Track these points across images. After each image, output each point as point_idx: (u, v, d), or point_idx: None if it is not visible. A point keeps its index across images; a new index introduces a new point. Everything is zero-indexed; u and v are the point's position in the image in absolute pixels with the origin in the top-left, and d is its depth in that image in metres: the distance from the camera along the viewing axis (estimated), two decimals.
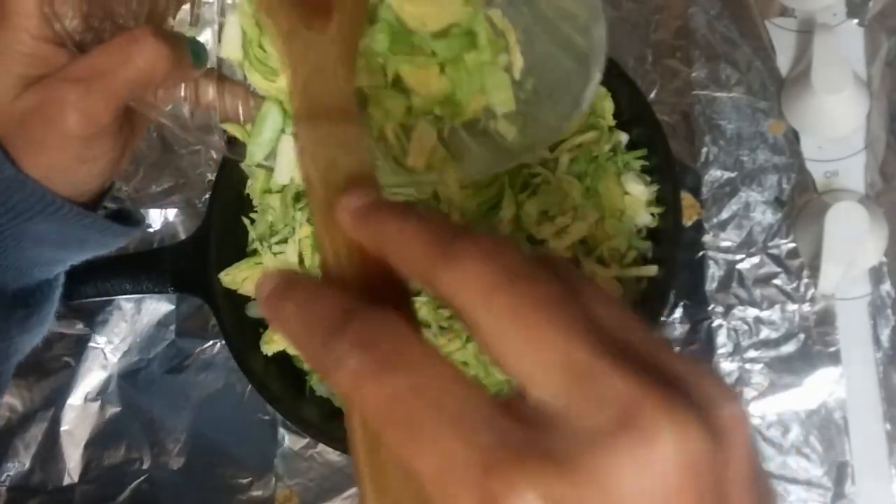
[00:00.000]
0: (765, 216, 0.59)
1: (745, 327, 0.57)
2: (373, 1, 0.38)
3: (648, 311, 0.53)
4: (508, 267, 0.20)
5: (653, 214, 0.55)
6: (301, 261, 0.55)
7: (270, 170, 0.41)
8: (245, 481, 0.59)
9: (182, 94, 0.40)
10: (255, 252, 0.57)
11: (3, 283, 0.39)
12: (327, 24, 0.32)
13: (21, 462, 0.61)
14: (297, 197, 0.57)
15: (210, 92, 0.40)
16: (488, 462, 0.18)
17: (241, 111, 0.41)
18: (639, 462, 0.18)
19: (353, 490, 0.58)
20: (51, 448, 0.61)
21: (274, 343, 0.55)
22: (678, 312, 0.58)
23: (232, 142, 0.43)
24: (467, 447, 0.19)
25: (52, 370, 0.62)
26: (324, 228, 0.26)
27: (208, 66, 0.40)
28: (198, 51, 0.38)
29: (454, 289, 0.21)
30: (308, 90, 0.30)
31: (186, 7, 0.40)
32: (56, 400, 0.62)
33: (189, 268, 0.56)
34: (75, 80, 0.34)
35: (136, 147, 0.43)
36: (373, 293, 0.24)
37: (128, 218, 0.43)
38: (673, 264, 0.54)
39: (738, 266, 0.59)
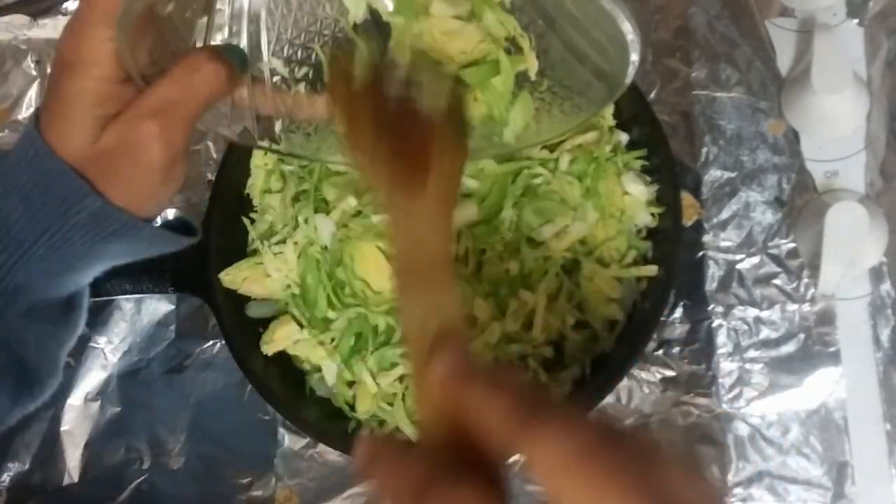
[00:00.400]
0: (765, 216, 0.59)
1: (745, 327, 0.57)
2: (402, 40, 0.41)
3: (648, 311, 0.53)
4: (584, 442, 0.23)
5: (653, 214, 0.55)
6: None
7: None
8: (245, 481, 0.59)
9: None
10: (255, 252, 0.57)
11: (62, 292, 0.42)
12: (424, 189, 0.34)
13: (21, 462, 0.61)
14: (297, 197, 0.57)
15: (243, 92, 0.43)
16: None
17: (269, 107, 0.44)
18: None
19: (353, 490, 0.58)
20: (51, 448, 0.61)
21: (274, 343, 0.55)
22: (678, 312, 0.58)
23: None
24: None
25: None
26: (419, 386, 0.29)
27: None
28: (242, 57, 0.41)
29: (535, 460, 0.23)
30: (406, 255, 0.33)
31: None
32: (56, 400, 0.62)
33: (189, 268, 0.56)
34: (152, 115, 0.37)
35: None
36: (460, 450, 0.27)
37: (185, 226, 0.46)
38: (673, 264, 0.54)
39: (738, 266, 0.59)
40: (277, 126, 0.47)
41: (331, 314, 0.54)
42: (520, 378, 0.26)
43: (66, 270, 0.40)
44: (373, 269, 0.52)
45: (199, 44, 0.42)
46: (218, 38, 0.43)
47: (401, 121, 0.36)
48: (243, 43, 0.43)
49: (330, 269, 0.54)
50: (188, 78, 0.37)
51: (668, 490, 0.23)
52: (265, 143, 0.47)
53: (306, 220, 0.55)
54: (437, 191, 0.34)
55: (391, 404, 0.53)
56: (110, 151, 0.38)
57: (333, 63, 0.41)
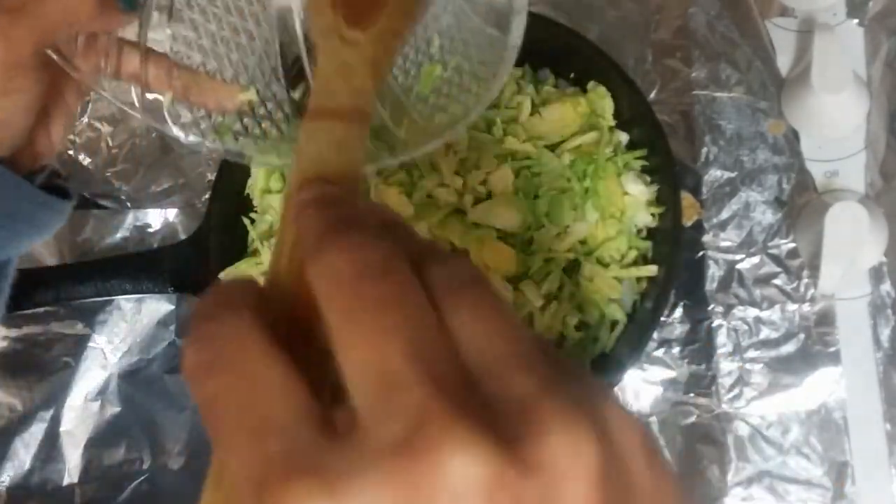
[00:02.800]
0: (765, 216, 0.59)
1: (745, 327, 0.57)
2: None
3: (648, 311, 0.53)
4: (363, 262, 0.19)
5: (653, 214, 0.55)
6: None
7: None
8: None
9: (102, 64, 0.40)
10: (255, 252, 0.57)
11: None
12: (371, 27, 0.31)
13: (21, 462, 0.61)
14: None
15: (134, 63, 0.40)
16: (264, 476, 0.17)
17: (164, 82, 0.40)
18: (405, 486, 0.16)
19: None
20: (51, 448, 0.61)
21: None
22: (678, 312, 0.58)
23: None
24: (253, 457, 0.18)
25: (52, 370, 0.62)
26: (281, 222, 0.25)
27: (138, 41, 0.40)
28: None
29: (312, 280, 0.20)
30: (327, 87, 0.29)
31: None
32: (56, 400, 0.62)
33: (189, 268, 0.56)
34: (3, 11, 0.35)
35: (74, 120, 0.43)
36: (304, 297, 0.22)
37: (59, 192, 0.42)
38: (673, 264, 0.54)
39: (738, 266, 0.59)
40: (166, 101, 0.42)
41: None
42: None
43: None
44: None
45: None
46: None
47: None
48: None
49: None
50: None
51: (453, 332, 0.19)
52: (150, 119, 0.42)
53: None
54: (384, 29, 0.31)
55: None
56: None
57: None
